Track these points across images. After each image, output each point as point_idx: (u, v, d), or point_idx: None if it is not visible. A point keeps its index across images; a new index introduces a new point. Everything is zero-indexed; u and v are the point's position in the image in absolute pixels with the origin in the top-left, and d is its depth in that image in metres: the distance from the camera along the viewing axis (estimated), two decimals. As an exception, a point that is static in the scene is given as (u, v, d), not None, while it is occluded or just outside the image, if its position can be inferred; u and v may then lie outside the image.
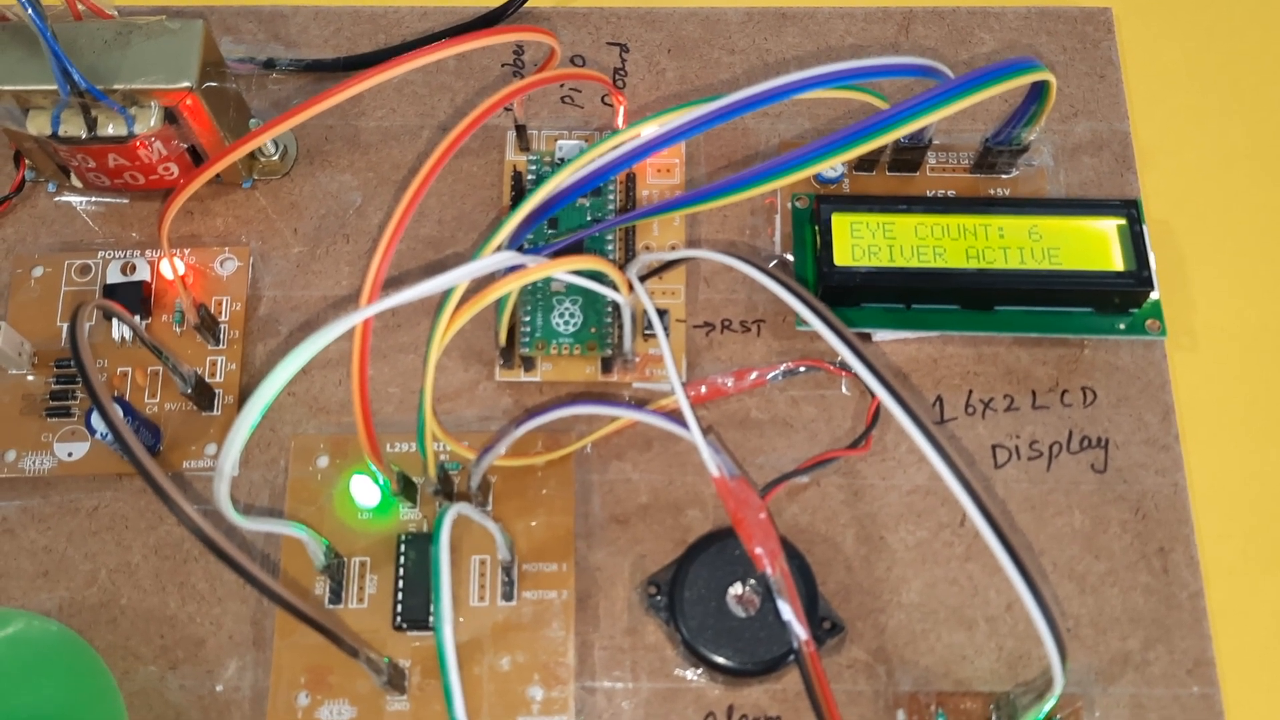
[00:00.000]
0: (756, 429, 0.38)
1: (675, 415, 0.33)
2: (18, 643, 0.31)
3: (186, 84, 0.36)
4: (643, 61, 0.43)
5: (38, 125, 0.36)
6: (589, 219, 0.39)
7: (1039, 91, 0.35)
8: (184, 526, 0.24)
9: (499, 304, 0.36)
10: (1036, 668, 0.35)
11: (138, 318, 0.38)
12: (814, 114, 0.42)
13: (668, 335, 0.35)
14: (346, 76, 0.42)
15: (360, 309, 0.26)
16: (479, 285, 0.31)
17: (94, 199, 0.41)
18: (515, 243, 0.35)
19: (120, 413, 0.34)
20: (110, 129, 0.36)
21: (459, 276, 0.28)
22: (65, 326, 0.39)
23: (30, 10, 0.33)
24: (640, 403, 0.37)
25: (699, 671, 0.35)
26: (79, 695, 0.32)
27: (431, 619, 0.35)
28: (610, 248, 0.39)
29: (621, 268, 0.35)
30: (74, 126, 0.36)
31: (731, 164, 0.41)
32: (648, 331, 0.38)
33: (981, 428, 0.38)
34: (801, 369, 0.38)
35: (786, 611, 0.31)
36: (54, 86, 0.35)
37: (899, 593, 0.36)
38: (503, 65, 0.43)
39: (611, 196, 0.39)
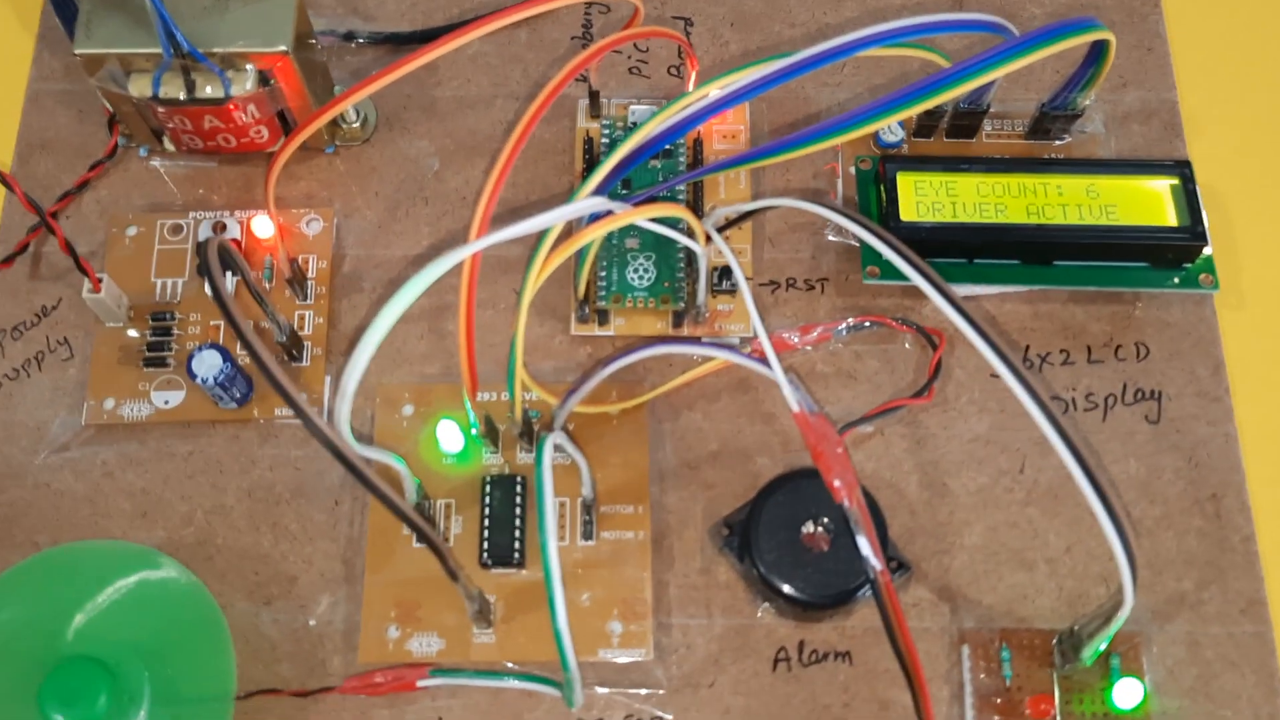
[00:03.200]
0: (821, 380, 0.40)
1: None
2: (160, 587, 0.34)
3: (282, 47, 0.38)
4: (706, 34, 0.45)
5: (139, 87, 0.38)
6: (661, 179, 0.41)
7: (1097, 53, 0.37)
8: (310, 432, 0.26)
9: (579, 257, 0.37)
10: (1096, 607, 0.36)
11: (228, 277, 0.40)
12: (872, 82, 0.44)
13: (743, 277, 0.36)
14: (423, 49, 0.45)
15: (471, 242, 0.28)
16: (565, 236, 0.33)
17: (182, 163, 0.43)
18: (600, 195, 0.36)
19: (221, 365, 0.36)
20: (208, 91, 0.38)
21: (557, 216, 0.30)
22: (174, 288, 0.40)
23: (139, -25, 0.35)
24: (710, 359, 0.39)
25: (771, 608, 0.37)
26: (196, 630, 0.34)
27: (517, 555, 0.36)
28: (681, 199, 0.40)
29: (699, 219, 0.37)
30: (174, 89, 0.38)
31: (794, 130, 0.43)
32: (716, 288, 0.40)
33: (1040, 381, 0.40)
34: (865, 324, 0.40)
35: (863, 542, 0.33)
36: (156, 50, 0.37)
37: (961, 535, 0.38)
38: (572, 38, 0.45)
39: (681, 159, 0.41)
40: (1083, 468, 0.28)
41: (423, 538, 0.28)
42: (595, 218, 0.33)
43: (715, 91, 0.38)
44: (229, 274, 0.40)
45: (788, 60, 0.36)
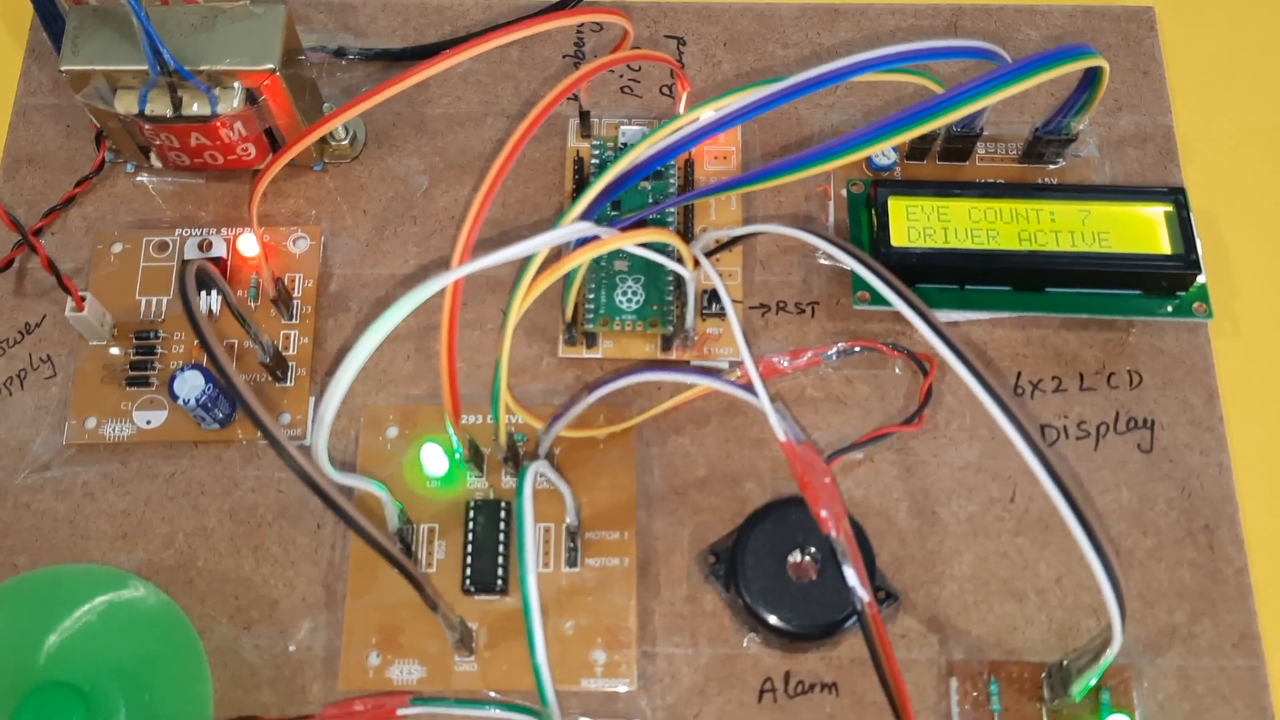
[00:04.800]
0: (811, 406, 0.39)
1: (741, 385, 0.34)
2: (130, 608, 0.33)
3: (269, 65, 0.37)
4: (699, 54, 0.45)
5: (125, 104, 0.38)
6: (651, 201, 0.40)
7: (1090, 79, 0.36)
8: (285, 464, 0.26)
9: (567, 279, 0.37)
10: (1086, 639, 0.36)
11: (213, 296, 0.40)
12: (866, 104, 0.43)
13: (731, 302, 0.36)
14: (414, 65, 0.44)
15: (453, 269, 0.28)
16: (552, 259, 0.33)
17: (169, 179, 0.43)
18: (588, 218, 0.36)
19: (203, 386, 0.35)
20: (195, 108, 0.38)
21: (541, 243, 0.30)
22: (160, 306, 0.40)
23: (126, -8, 0.35)
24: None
25: (757, 638, 0.36)
26: (173, 653, 0.34)
27: (500, 582, 0.36)
28: (671, 223, 0.40)
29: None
30: (160, 106, 0.38)
31: (787, 150, 0.43)
32: (706, 311, 0.40)
33: (1031, 408, 0.39)
34: (856, 349, 0.39)
35: (850, 574, 0.33)
36: (143, 66, 0.37)
37: (951, 565, 0.37)
38: (564, 56, 0.45)
39: (672, 180, 0.41)
40: (1069, 502, 0.27)
41: (399, 569, 0.28)
42: (582, 242, 0.33)
43: (707, 114, 0.37)
44: (214, 293, 0.39)
45: (780, 85, 0.36)
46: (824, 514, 0.32)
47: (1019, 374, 0.40)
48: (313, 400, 0.39)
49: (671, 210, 0.40)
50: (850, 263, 0.31)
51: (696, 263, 0.36)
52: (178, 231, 0.41)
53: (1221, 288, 0.41)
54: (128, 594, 0.34)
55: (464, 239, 0.30)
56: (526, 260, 0.33)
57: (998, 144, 0.42)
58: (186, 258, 0.41)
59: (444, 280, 0.27)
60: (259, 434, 0.38)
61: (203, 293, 0.39)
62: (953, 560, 0.37)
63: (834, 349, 0.39)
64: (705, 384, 0.34)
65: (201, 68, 0.37)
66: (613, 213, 0.40)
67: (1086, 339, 0.40)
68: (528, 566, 0.28)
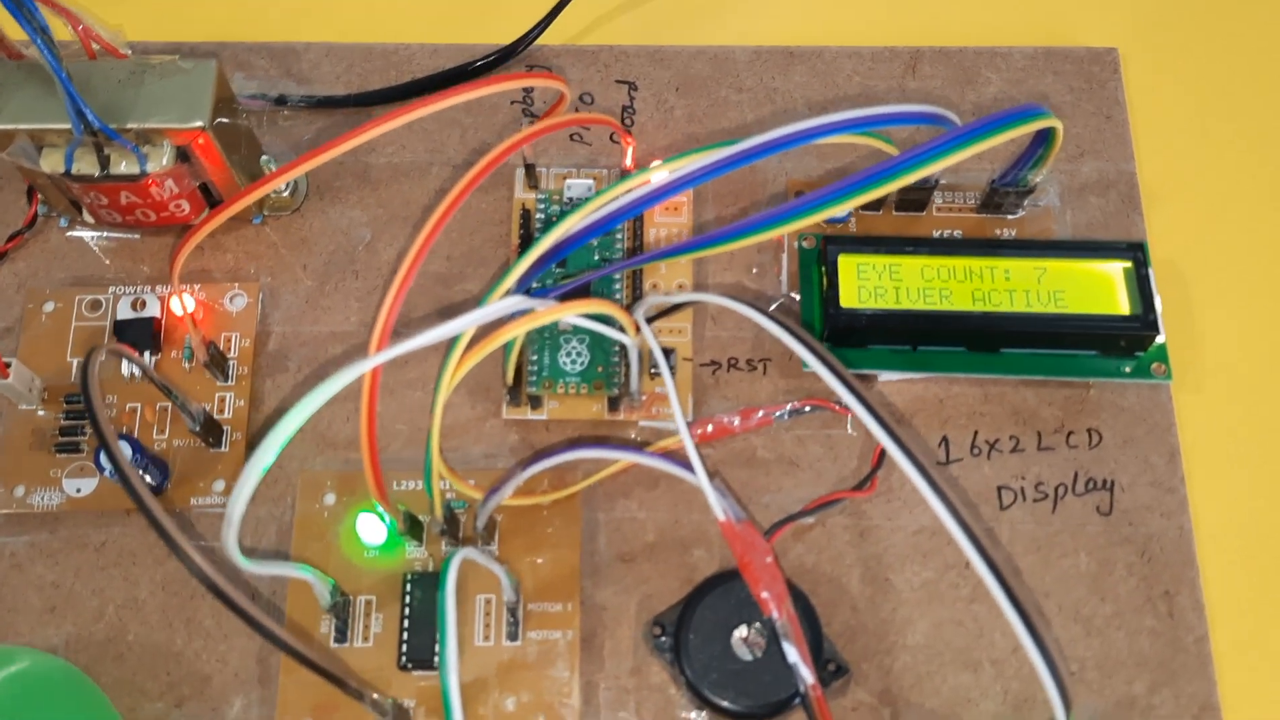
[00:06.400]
0: (763, 468, 0.38)
1: (682, 458, 0.33)
2: (23, 679, 0.32)
3: (199, 124, 0.36)
4: (651, 99, 0.44)
5: (51, 163, 0.37)
6: (597, 258, 0.39)
7: (1045, 136, 0.35)
8: (185, 567, 0.24)
9: (507, 344, 0.36)
10: (1042, 711, 0.35)
11: (147, 355, 0.39)
12: (822, 154, 0.42)
13: (674, 376, 0.35)
14: (357, 112, 0.43)
15: (370, 357, 0.27)
16: (488, 328, 0.32)
17: (105, 234, 0.41)
18: (524, 285, 0.35)
19: (129, 457, 0.34)
20: (123, 167, 0.37)
21: (468, 323, 0.29)
22: (77, 366, 0.39)
23: (45, 50, 0.33)
24: (646, 442, 0.37)
25: (703, 714, 0.35)
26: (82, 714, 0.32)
27: (437, 659, 0.35)
28: (618, 286, 0.39)
29: (628, 308, 0.36)
30: (87, 165, 0.37)
31: (739, 202, 0.42)
32: (654, 370, 0.39)
33: (988, 468, 0.38)
34: (807, 408, 0.38)
35: (793, 655, 0.32)
36: (68, 125, 0.36)
37: (904, 634, 0.36)
38: (512, 103, 0.44)
39: (620, 236, 0.40)
40: (1015, 606, 0.26)
41: (313, 667, 0.27)
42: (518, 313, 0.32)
43: (659, 175, 0.36)
44: (149, 354, 0.38)
45: (734, 149, 0.35)
46: (765, 595, 0.32)
47: (976, 433, 0.39)
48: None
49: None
50: (779, 333, 0.30)
51: (639, 328, 0.35)
52: (111, 289, 0.40)
53: (1184, 341, 0.40)
54: (12, 669, 0.32)
55: (381, 324, 0.29)
56: (456, 336, 0.32)
57: (956, 193, 0.41)
58: (120, 318, 0.39)
59: (356, 371, 0.26)
60: (199, 497, 0.37)
61: (145, 353, 0.38)
62: (905, 629, 0.36)
63: (785, 408, 0.38)
64: (642, 462, 0.33)
65: (129, 125, 0.36)
66: (558, 269, 0.39)
67: (1045, 396, 0.39)
68: (449, 668, 0.27)
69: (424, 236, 0.31)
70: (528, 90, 0.44)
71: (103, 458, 0.35)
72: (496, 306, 0.30)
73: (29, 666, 0.32)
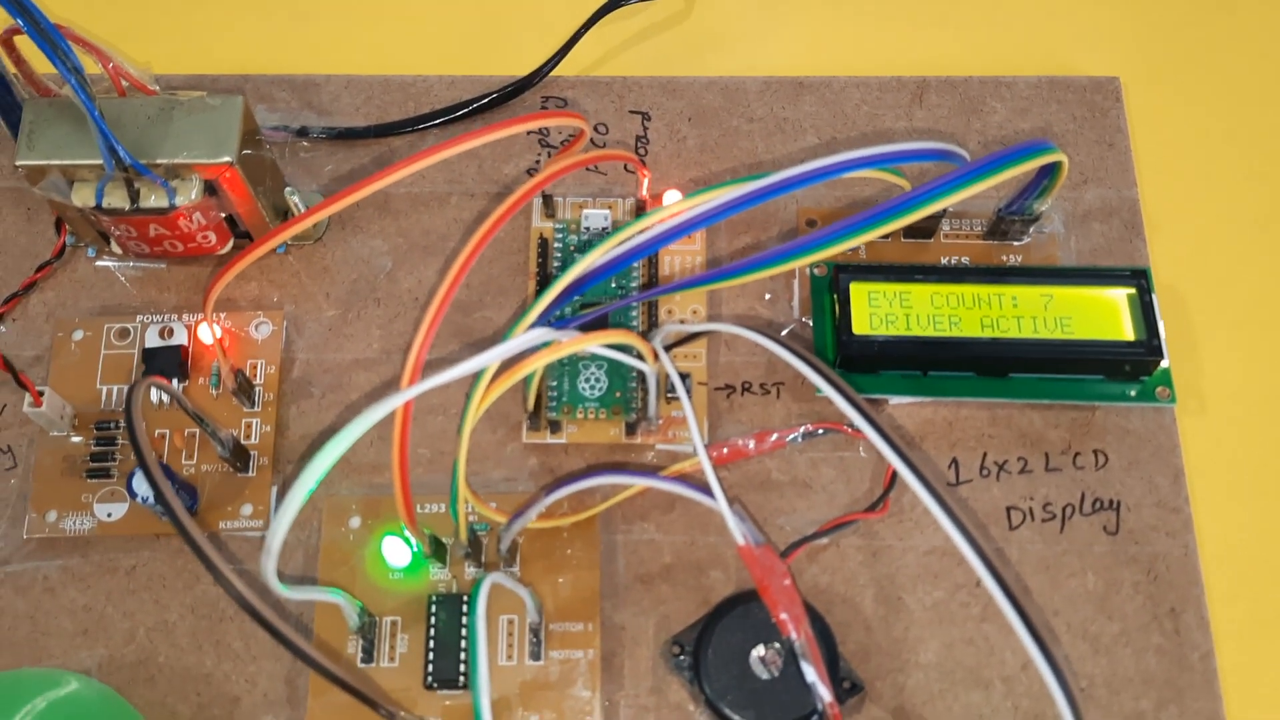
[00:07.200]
0: (777, 490, 0.39)
1: (700, 482, 0.34)
2: (72, 703, 0.33)
3: (227, 159, 0.37)
4: (664, 129, 0.45)
5: (82, 197, 0.38)
6: (615, 286, 0.40)
7: (1051, 168, 0.36)
8: (224, 590, 0.25)
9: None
10: (1052, 728, 0.36)
11: (175, 382, 0.40)
12: (832, 183, 0.43)
13: (690, 401, 0.36)
14: (377, 143, 0.44)
15: (402, 391, 0.27)
16: (512, 358, 0.33)
17: (132, 264, 0.42)
18: (545, 318, 0.36)
19: (171, 486, 0.35)
20: (152, 200, 0.37)
21: (494, 356, 0.29)
22: (108, 394, 0.40)
23: (79, 90, 0.34)
24: (662, 466, 0.38)
25: (722, 731, 0.36)
26: None
27: (462, 678, 0.36)
28: (634, 313, 0.40)
29: (645, 335, 0.37)
30: (117, 199, 0.37)
31: (752, 230, 0.43)
32: (670, 394, 0.40)
33: (996, 490, 0.39)
34: (820, 431, 0.39)
35: (810, 674, 0.32)
36: (99, 161, 0.37)
37: (917, 653, 0.37)
38: (528, 134, 0.45)
39: (636, 266, 0.41)
40: (1026, 625, 0.27)
41: (344, 686, 0.28)
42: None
43: (669, 219, 0.37)
44: (176, 381, 0.39)
45: (749, 187, 0.36)
46: (784, 616, 0.32)
47: (985, 455, 0.40)
48: (275, 490, 0.39)
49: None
50: (792, 360, 0.31)
51: (657, 355, 0.36)
52: (139, 318, 0.41)
53: (1187, 365, 0.41)
54: (63, 692, 0.33)
55: (412, 361, 0.30)
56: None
57: (963, 220, 0.42)
58: (148, 346, 0.40)
59: (390, 405, 0.27)
60: (227, 521, 0.38)
61: (174, 380, 0.39)
62: (918, 648, 0.37)
63: (799, 431, 0.39)
64: (662, 487, 0.34)
65: (158, 161, 0.37)
66: (576, 296, 0.40)
67: (1052, 418, 0.40)
68: (481, 690, 0.28)
69: (451, 277, 0.32)
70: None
71: (134, 483, 0.36)
72: (522, 339, 0.31)
73: (77, 690, 0.33)
